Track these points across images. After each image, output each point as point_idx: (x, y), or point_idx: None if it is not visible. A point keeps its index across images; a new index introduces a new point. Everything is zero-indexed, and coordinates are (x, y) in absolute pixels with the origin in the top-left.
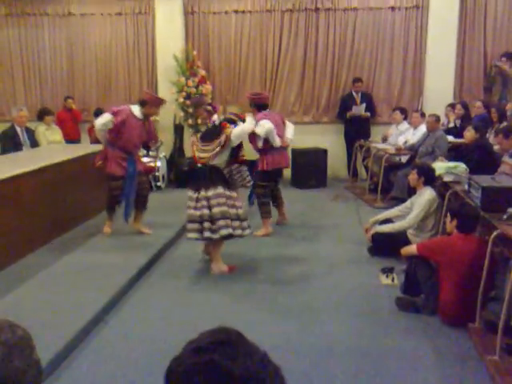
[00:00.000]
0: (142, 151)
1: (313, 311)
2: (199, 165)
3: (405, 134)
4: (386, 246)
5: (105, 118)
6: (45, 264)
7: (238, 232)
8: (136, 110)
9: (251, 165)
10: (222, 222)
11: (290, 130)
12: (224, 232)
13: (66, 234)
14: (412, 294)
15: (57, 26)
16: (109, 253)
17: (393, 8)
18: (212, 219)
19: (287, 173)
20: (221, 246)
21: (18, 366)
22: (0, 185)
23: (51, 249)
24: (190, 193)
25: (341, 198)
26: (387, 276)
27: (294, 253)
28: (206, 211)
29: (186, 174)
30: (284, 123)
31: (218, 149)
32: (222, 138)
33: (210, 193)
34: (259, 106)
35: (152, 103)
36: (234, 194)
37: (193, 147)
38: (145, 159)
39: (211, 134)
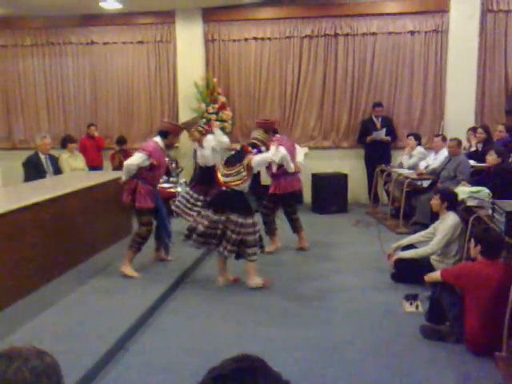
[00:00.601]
0: (163, 177)
1: (334, 339)
2: (224, 188)
3: (426, 159)
4: (409, 272)
5: (140, 159)
6: (66, 290)
7: (253, 257)
8: (160, 141)
9: (265, 190)
10: (230, 247)
11: (300, 154)
12: (230, 255)
13: (88, 260)
14: (437, 321)
15: (80, 54)
16: (129, 279)
17: (412, 32)
18: (221, 240)
19: (307, 198)
20: (254, 262)
21: None
22: (22, 212)
23: (72, 275)
24: (210, 212)
25: (362, 224)
26: (411, 303)
27: (315, 279)
28: (218, 232)
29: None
30: (294, 147)
31: (245, 173)
32: (244, 164)
33: (224, 217)
34: (270, 131)
35: (175, 133)
36: (249, 221)
37: (217, 171)
38: (165, 185)
39: (235, 159)
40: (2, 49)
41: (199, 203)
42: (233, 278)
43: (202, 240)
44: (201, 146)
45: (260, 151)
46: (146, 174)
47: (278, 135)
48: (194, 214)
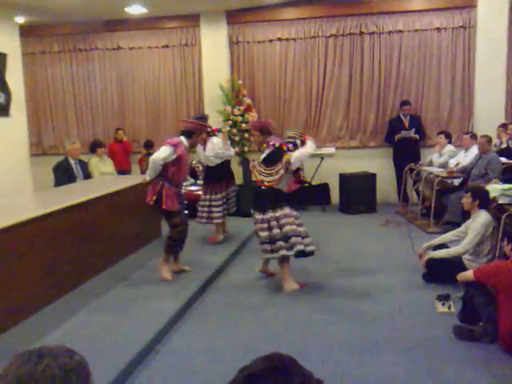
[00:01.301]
0: (190, 180)
1: (366, 341)
2: (263, 187)
3: (455, 157)
4: (441, 272)
5: (166, 151)
6: (98, 293)
7: (310, 248)
8: (184, 141)
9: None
10: (294, 239)
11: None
12: (299, 248)
13: (118, 263)
14: (470, 321)
15: (107, 60)
16: (158, 283)
17: (439, 29)
18: (285, 237)
19: (335, 198)
20: (289, 266)
21: None
22: (55, 215)
23: (102, 278)
24: (257, 215)
25: (392, 224)
26: (443, 304)
27: (345, 281)
28: (277, 230)
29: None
30: None
31: (282, 171)
32: (284, 161)
33: (278, 213)
34: (266, 132)
35: (199, 131)
36: (295, 213)
37: (253, 171)
38: (192, 188)
39: (274, 157)
40: (31, 56)
41: (214, 202)
42: (270, 271)
43: (269, 248)
44: (204, 146)
45: (296, 146)
46: (171, 172)
47: (272, 136)
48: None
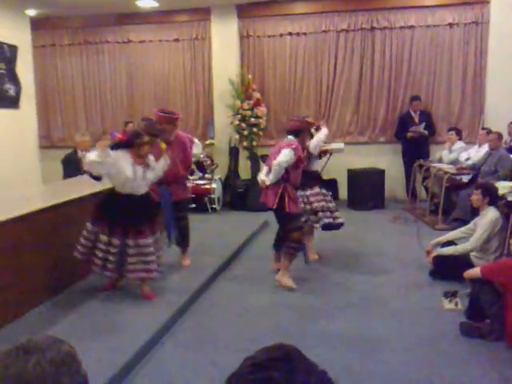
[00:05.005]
0: (198, 174)
1: (373, 337)
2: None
3: (468, 151)
4: (448, 269)
5: (288, 155)
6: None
7: (339, 220)
8: (293, 139)
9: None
10: (321, 214)
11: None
12: (327, 221)
13: None
14: (477, 319)
15: (117, 53)
16: (164, 275)
17: (451, 25)
18: (314, 212)
19: (343, 194)
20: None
21: None
22: (63, 207)
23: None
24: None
25: (400, 220)
26: (450, 300)
27: (352, 277)
28: (307, 207)
29: (241, 196)
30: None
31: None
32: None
33: (308, 192)
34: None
35: (306, 129)
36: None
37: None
38: (200, 182)
39: None
40: (41, 48)
41: None
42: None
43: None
44: None
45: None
46: (292, 175)
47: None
48: None
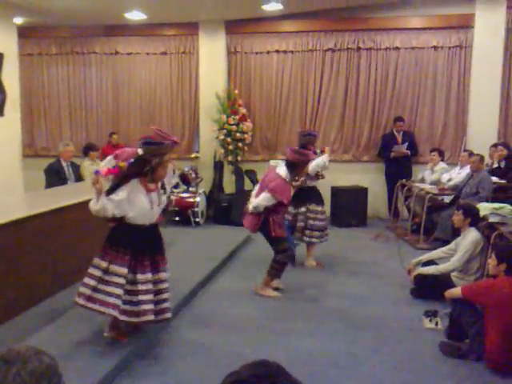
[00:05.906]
0: (183, 187)
1: (352, 355)
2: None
3: (449, 172)
4: (429, 288)
5: (267, 200)
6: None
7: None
8: (284, 174)
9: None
10: (316, 233)
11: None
12: (314, 240)
13: None
14: (457, 338)
15: (104, 64)
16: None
17: (435, 47)
18: (309, 229)
19: (326, 211)
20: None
21: None
22: (46, 216)
23: None
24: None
25: (382, 238)
26: (430, 320)
27: (333, 294)
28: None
29: (225, 210)
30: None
31: (302, 178)
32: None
33: (303, 209)
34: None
35: (304, 164)
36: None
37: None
38: (184, 194)
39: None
40: (28, 57)
41: None
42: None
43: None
44: None
45: (316, 153)
46: (277, 207)
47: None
48: None
